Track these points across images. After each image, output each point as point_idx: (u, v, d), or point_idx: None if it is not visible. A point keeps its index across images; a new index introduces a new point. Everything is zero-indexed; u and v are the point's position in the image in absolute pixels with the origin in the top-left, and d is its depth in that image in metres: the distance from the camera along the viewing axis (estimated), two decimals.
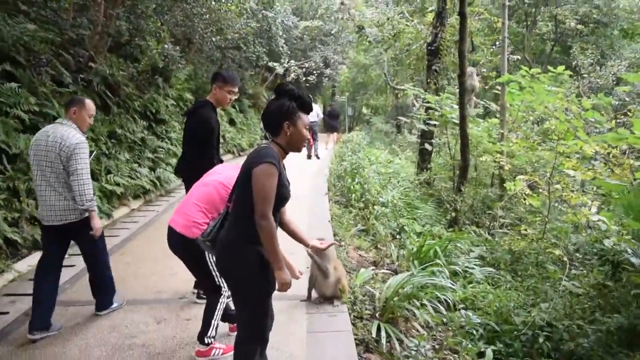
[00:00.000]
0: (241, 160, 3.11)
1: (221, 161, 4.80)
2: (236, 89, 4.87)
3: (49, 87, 8.08)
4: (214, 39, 15.71)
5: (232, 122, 18.87)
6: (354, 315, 4.82)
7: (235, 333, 3.13)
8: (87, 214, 4.38)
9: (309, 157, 17.48)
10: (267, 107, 2.94)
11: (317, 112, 18.31)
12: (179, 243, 3.76)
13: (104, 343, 4.22)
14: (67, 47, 9.30)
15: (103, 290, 4.81)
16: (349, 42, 27.29)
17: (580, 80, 17.71)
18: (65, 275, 5.89)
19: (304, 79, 24.02)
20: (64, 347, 4.15)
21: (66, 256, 6.56)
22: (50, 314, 4.42)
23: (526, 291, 5.93)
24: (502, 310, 5.38)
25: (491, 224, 8.68)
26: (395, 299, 4.95)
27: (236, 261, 2.87)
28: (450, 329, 5.15)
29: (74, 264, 6.29)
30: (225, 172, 3.89)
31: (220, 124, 4.89)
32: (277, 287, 2.89)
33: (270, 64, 22.03)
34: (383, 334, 4.38)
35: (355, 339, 4.36)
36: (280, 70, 22.57)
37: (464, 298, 5.63)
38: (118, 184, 9.00)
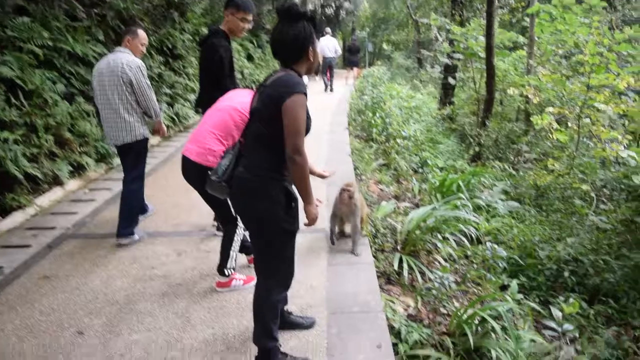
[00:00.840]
0: None
1: None
2: (250, 17, 4.52)
3: (62, 21, 7.87)
4: None
5: (250, 57, 18.42)
6: (375, 248, 4.77)
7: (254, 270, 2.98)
8: (140, 137, 4.85)
9: (329, 89, 17.26)
10: (285, 32, 2.61)
11: (335, 48, 17.70)
12: (193, 172, 3.64)
13: (125, 274, 4.24)
14: None
15: (127, 215, 4.92)
16: None
17: (614, 12, 16.80)
18: (85, 209, 5.97)
19: (320, 10, 23.18)
20: (85, 278, 4.18)
21: (85, 191, 6.74)
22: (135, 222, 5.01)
23: (551, 226, 5.80)
24: (526, 244, 5.28)
25: (516, 159, 8.45)
26: (417, 231, 4.88)
27: (261, 199, 2.65)
28: (473, 261, 5.08)
29: (95, 199, 6.33)
30: (238, 98, 3.72)
31: (232, 54, 4.63)
32: (305, 222, 2.76)
33: None
34: (405, 266, 4.33)
35: (377, 271, 4.32)
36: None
37: (487, 232, 5.53)
38: None
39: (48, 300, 3.83)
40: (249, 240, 3.35)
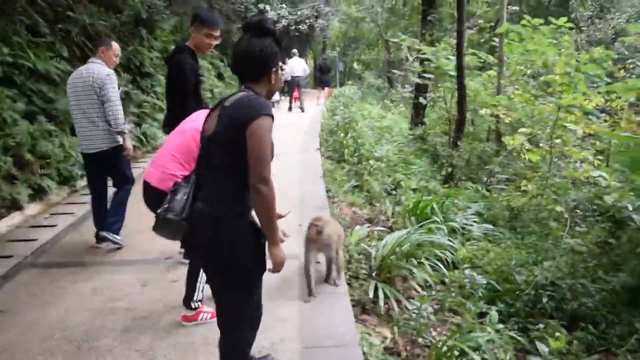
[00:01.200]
0: None
1: None
2: (216, 33, 4.32)
3: (24, 37, 7.58)
4: None
5: (220, 76, 18.23)
6: (349, 275, 4.60)
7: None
8: (115, 144, 4.96)
9: (300, 109, 17.46)
10: (248, 47, 2.37)
11: (303, 67, 17.88)
12: (154, 198, 3.32)
13: (85, 307, 3.97)
14: None
15: (121, 214, 5.13)
16: None
17: (579, 33, 17.22)
18: (45, 235, 5.66)
19: (293, 27, 23.13)
20: (42, 312, 3.90)
21: (46, 215, 6.42)
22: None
23: (527, 248, 5.74)
24: (502, 268, 5.18)
25: (488, 180, 8.44)
26: (393, 257, 4.73)
27: (228, 238, 2.33)
28: (450, 288, 4.96)
29: (56, 224, 6.02)
30: (202, 118, 3.50)
31: (198, 71, 4.44)
32: (270, 267, 2.41)
33: (260, 5, 21.13)
34: (381, 294, 4.17)
35: (352, 300, 4.15)
36: (272, 15, 21.66)
37: (463, 257, 5.43)
38: None
39: None
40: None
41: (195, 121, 3.46)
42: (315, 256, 4.30)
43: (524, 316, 4.67)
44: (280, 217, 3.02)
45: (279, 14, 21.74)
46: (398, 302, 4.32)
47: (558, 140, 7.21)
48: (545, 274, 4.84)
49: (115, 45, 5.18)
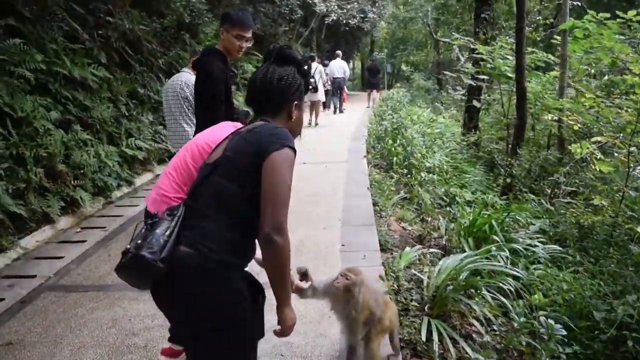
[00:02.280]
0: None
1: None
2: (248, 34, 3.90)
3: (60, 43, 7.36)
4: None
5: None
6: (398, 308, 4.03)
7: None
8: None
9: (340, 111, 17.75)
10: (270, 73, 2.02)
11: (343, 68, 17.74)
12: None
13: (100, 342, 3.56)
14: (86, 1, 8.53)
15: None
16: None
17: None
18: (73, 252, 5.35)
19: (344, 21, 22.55)
20: (54, 347, 3.52)
21: (78, 229, 6.13)
22: None
23: (603, 277, 4.99)
24: (576, 300, 4.49)
25: (552, 192, 7.65)
26: (449, 288, 4.13)
27: (219, 296, 1.85)
28: (514, 322, 4.32)
29: (85, 239, 5.72)
30: (219, 130, 2.78)
31: (228, 75, 3.98)
32: (277, 329, 1.96)
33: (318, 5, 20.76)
34: (435, 335, 3.58)
35: (401, 340, 3.59)
36: (321, 8, 21.15)
37: (528, 284, 4.76)
38: (140, 148, 8.37)
39: None
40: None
41: (214, 131, 2.86)
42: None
43: None
44: (300, 290, 2.50)
45: (327, 7, 21.19)
46: (453, 340, 3.74)
47: (633, 149, 6.39)
48: (628, 310, 4.12)
49: None
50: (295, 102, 2.06)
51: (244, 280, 1.93)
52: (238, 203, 1.88)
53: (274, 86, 2.01)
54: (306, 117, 17.11)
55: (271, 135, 1.89)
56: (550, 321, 3.12)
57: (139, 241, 1.85)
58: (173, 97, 5.46)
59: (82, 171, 6.75)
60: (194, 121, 4.76)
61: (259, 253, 1.92)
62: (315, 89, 13.66)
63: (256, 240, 1.93)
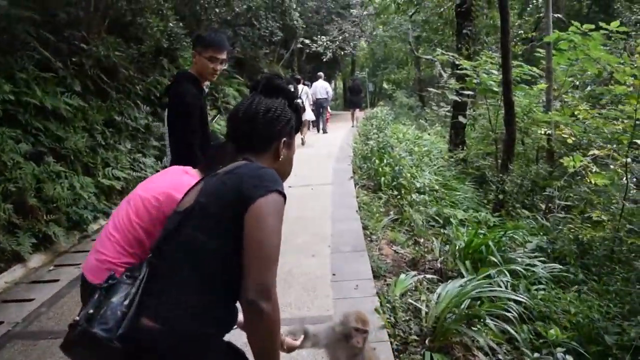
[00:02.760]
0: None
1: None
2: (222, 55, 3.60)
3: (31, 72, 7.04)
4: (219, 11, 14.39)
5: None
6: (396, 344, 3.73)
7: None
8: None
9: (324, 132, 17.62)
10: (250, 105, 1.77)
11: (326, 89, 17.86)
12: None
13: None
14: (59, 29, 8.24)
15: None
16: (367, 15, 25.52)
17: (628, 39, 16.02)
18: (44, 293, 4.98)
19: (331, 50, 22.55)
20: None
21: (51, 267, 5.76)
22: None
23: (608, 295, 4.74)
24: (583, 323, 4.22)
25: (547, 207, 7.43)
26: (449, 318, 3.85)
27: None
28: (519, 346, 4.04)
29: (58, 278, 5.35)
30: (181, 176, 2.43)
31: (203, 102, 3.72)
32: None
33: (305, 40, 20.77)
34: None
35: None
36: (319, 48, 21.21)
37: (532, 308, 4.50)
38: (118, 178, 8.01)
39: None
40: None
41: (161, 180, 2.47)
42: None
43: None
44: (294, 347, 2.15)
45: (322, 44, 21.26)
46: None
47: (629, 160, 6.21)
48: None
49: None
50: (284, 139, 1.78)
51: (224, 351, 1.61)
52: (215, 261, 1.55)
53: (259, 118, 1.73)
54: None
55: (255, 177, 1.59)
56: (570, 358, 2.84)
57: (91, 310, 1.50)
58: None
59: (55, 205, 6.40)
60: None
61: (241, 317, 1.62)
62: (303, 109, 13.47)
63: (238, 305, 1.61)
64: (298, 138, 16.89)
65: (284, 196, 1.60)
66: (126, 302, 1.51)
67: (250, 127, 1.74)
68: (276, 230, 1.54)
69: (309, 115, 15.14)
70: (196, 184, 1.79)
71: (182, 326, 1.50)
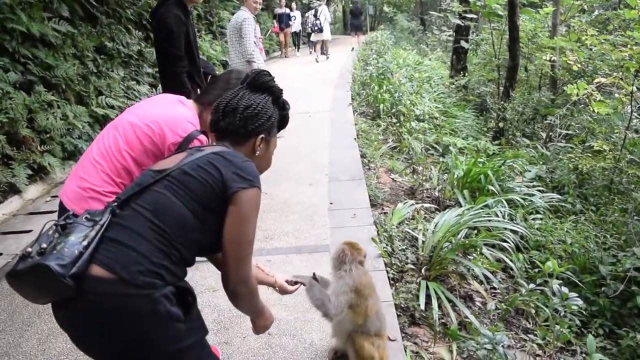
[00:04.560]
0: None
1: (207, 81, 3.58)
2: None
3: None
4: None
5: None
6: (392, 272, 3.76)
7: None
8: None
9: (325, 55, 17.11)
10: (234, 97, 1.81)
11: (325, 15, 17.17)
12: None
13: None
14: None
15: None
16: None
17: None
18: (42, 224, 4.93)
19: None
20: (21, 336, 3.21)
21: (47, 198, 5.74)
22: None
23: (607, 226, 4.74)
24: (578, 253, 4.25)
25: (547, 136, 7.33)
26: (445, 247, 3.86)
27: (142, 326, 1.49)
28: (515, 275, 4.09)
29: (56, 209, 5.32)
30: (174, 108, 2.32)
31: (189, 27, 3.54)
32: (254, 330, 2.01)
33: None
34: (434, 302, 3.32)
35: (397, 306, 3.33)
36: None
37: (527, 237, 4.51)
38: (112, 107, 7.83)
39: None
40: None
41: (165, 107, 2.34)
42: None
43: (610, 317, 3.79)
44: (287, 291, 2.37)
45: None
46: (451, 302, 3.49)
47: (634, 88, 6.04)
48: (636, 262, 3.89)
49: None
50: (262, 136, 1.81)
51: (172, 293, 1.54)
52: (178, 227, 1.55)
53: (237, 114, 1.77)
54: (312, 54, 16.74)
55: (240, 168, 1.64)
56: (565, 289, 2.85)
57: (44, 245, 1.45)
58: (232, 32, 6.66)
59: (49, 135, 6.29)
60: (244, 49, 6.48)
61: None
62: (321, 30, 15.49)
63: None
64: (312, 57, 16.68)
65: (260, 190, 1.70)
66: (84, 243, 1.46)
67: (228, 121, 1.78)
68: (254, 225, 1.67)
69: (326, 34, 15.93)
70: (181, 151, 1.83)
71: (131, 280, 1.46)
